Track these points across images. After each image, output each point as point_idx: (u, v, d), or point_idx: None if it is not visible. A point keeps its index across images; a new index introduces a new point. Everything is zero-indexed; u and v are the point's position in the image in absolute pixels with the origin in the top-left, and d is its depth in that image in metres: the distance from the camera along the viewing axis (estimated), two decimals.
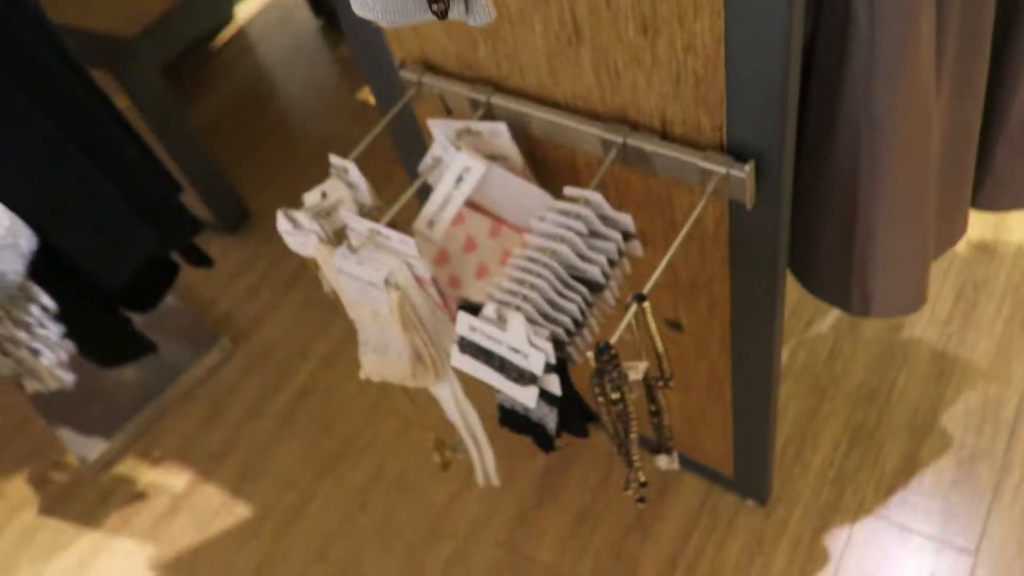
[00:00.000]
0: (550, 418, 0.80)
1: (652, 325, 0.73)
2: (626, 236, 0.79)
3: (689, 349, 1.09)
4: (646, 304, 0.71)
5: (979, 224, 1.59)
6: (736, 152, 0.74)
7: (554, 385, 0.74)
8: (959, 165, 0.96)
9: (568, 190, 0.78)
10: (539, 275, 0.74)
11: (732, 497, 1.36)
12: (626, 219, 0.77)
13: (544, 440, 0.83)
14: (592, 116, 0.82)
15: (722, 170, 0.74)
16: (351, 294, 0.87)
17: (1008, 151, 0.99)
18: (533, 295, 0.73)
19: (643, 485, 0.86)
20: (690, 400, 1.21)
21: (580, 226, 0.76)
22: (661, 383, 0.80)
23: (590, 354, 0.69)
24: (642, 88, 0.76)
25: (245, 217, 2.07)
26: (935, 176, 0.91)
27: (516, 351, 0.73)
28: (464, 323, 0.75)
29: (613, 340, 0.69)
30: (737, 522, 1.33)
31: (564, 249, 0.75)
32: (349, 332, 1.75)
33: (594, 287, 0.77)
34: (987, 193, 1.03)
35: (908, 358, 1.45)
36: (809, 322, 1.54)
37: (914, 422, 1.38)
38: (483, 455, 1.08)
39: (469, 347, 0.76)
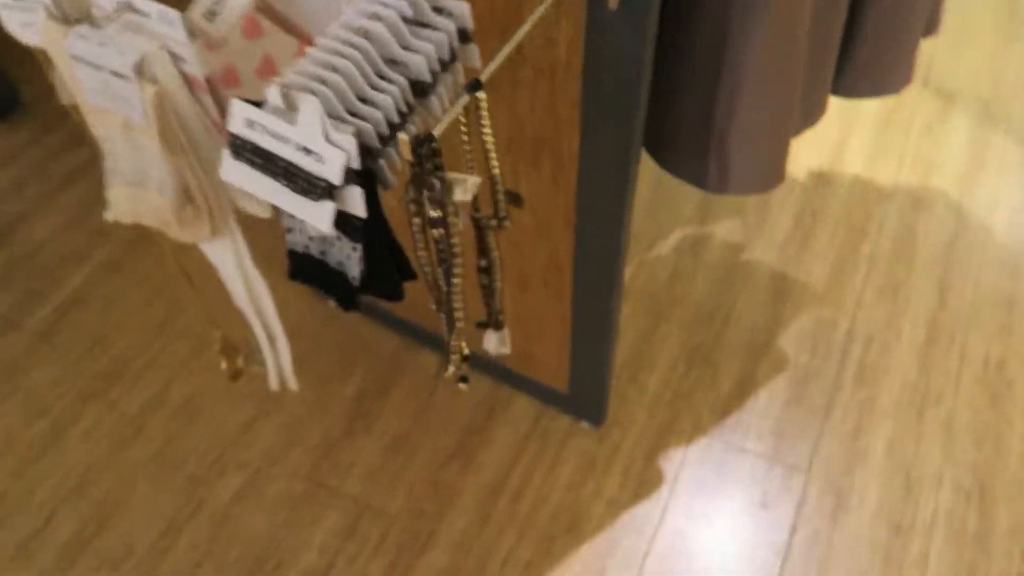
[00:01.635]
0: (353, 260, 0.63)
1: (488, 135, 0.58)
2: (463, 36, 0.62)
3: (528, 231, 0.95)
4: (482, 97, 0.55)
5: (817, 153, 1.57)
6: None
7: (357, 203, 0.56)
8: (826, 39, 0.88)
9: None
10: (344, 56, 0.56)
11: (565, 420, 1.25)
12: (462, 8, 0.61)
13: (344, 292, 0.65)
14: None
15: None
16: (92, 95, 0.65)
17: (873, 35, 0.92)
18: (335, 79, 0.55)
19: (465, 359, 0.71)
20: (527, 300, 1.07)
21: (403, 4, 0.59)
22: (495, 222, 0.64)
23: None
24: None
25: (15, 102, 1.72)
26: (805, 45, 0.82)
27: (308, 152, 0.55)
28: (239, 116, 0.56)
29: (436, 133, 0.53)
30: (569, 445, 1.22)
31: (379, 28, 0.57)
32: (143, 233, 1.48)
33: (418, 88, 0.60)
34: (848, 79, 0.96)
35: (747, 281, 1.40)
36: (651, 244, 1.46)
37: (751, 343, 1.32)
38: (277, 350, 0.89)
39: (245, 150, 0.57)
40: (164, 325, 1.39)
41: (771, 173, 0.90)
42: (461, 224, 0.59)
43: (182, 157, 0.67)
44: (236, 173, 0.58)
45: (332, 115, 0.55)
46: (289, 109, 0.55)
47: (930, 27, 1.00)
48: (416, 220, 0.56)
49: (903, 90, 1.00)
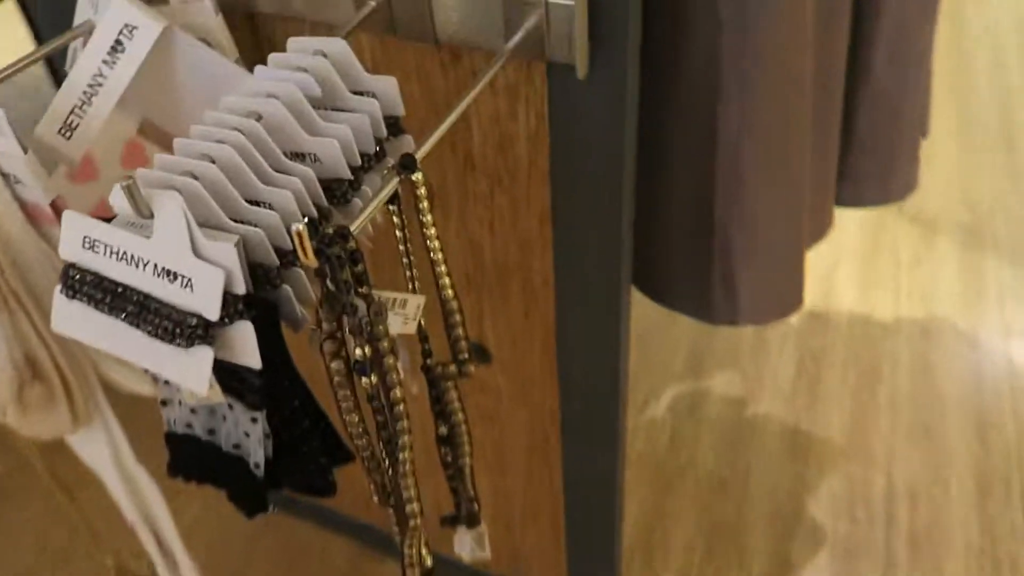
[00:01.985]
0: (253, 439, 0.43)
1: (433, 236, 0.41)
2: (392, 126, 0.47)
3: (501, 395, 0.77)
4: (419, 180, 0.39)
5: (809, 294, 1.44)
6: None
7: (248, 348, 0.38)
8: (825, 134, 0.76)
9: (293, 41, 0.47)
10: (226, 142, 0.40)
11: None
12: (388, 86, 0.46)
13: (246, 489, 0.45)
14: None
15: None
16: None
17: (869, 132, 0.82)
18: (211, 171, 0.39)
19: (428, 573, 0.50)
20: (506, 483, 0.86)
21: (308, 80, 0.44)
22: (454, 369, 0.46)
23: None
24: None
25: None
26: (810, 127, 0.70)
27: (170, 276, 0.38)
28: (73, 234, 0.39)
29: (354, 229, 0.36)
30: None
31: (275, 108, 0.42)
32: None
33: (336, 191, 0.44)
34: (850, 186, 0.84)
35: (757, 440, 1.21)
36: (642, 406, 1.27)
37: (777, 514, 1.11)
38: (178, 570, 0.66)
39: (84, 284, 0.39)
40: (65, 553, 1.13)
41: (788, 294, 0.74)
42: (403, 368, 0.40)
43: (20, 316, 0.49)
44: (72, 320, 0.40)
45: (206, 223, 0.38)
46: (143, 216, 0.38)
47: (922, 127, 0.91)
48: (335, 365, 0.38)
49: (908, 196, 0.89)
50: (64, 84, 0.52)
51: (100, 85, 0.52)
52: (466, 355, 0.46)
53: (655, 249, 0.74)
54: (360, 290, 0.36)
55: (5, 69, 0.51)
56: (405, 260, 0.42)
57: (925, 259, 1.51)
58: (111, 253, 0.39)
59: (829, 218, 0.83)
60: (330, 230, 0.35)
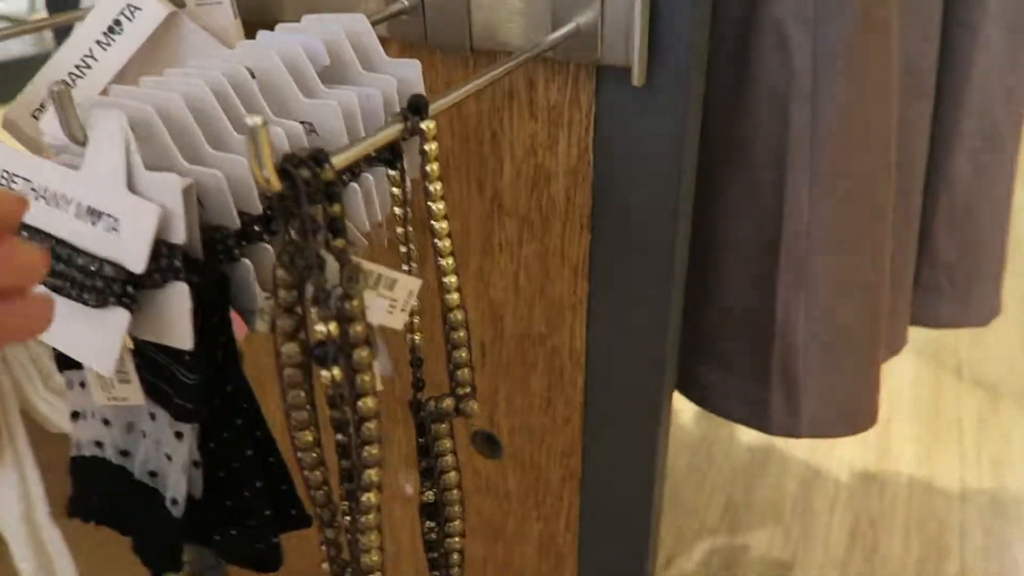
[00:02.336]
0: (177, 463, 0.32)
1: (440, 214, 0.32)
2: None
3: (511, 503, 0.65)
4: (428, 128, 0.31)
5: (857, 447, 1.30)
6: None
7: (178, 318, 0.28)
8: (903, 238, 0.68)
9: (310, 17, 0.40)
10: (204, 80, 0.33)
11: None
12: (410, 71, 0.39)
13: (157, 534, 0.34)
14: None
15: None
16: None
17: (948, 246, 0.73)
18: (174, 101, 0.31)
19: None
20: None
21: (316, 47, 0.37)
22: (450, 403, 0.35)
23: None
24: None
25: None
26: (890, 237, 0.61)
27: (94, 215, 0.29)
28: None
29: (338, 162, 0.27)
30: None
31: (271, 63, 0.35)
32: None
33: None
34: (927, 304, 0.74)
35: None
36: (668, 560, 1.11)
37: None
38: None
39: None
40: None
41: (860, 408, 0.63)
42: (380, 372, 0.30)
43: None
44: None
45: (156, 166, 0.30)
46: (76, 141, 0.30)
47: (1003, 250, 0.82)
48: (288, 349, 0.28)
49: (990, 321, 0.78)
50: (48, 62, 0.46)
51: (89, 67, 0.46)
52: (468, 388, 0.35)
53: (703, 339, 0.63)
54: (333, 242, 0.27)
55: None
56: (404, 249, 0.33)
57: (990, 422, 1.37)
58: (30, 190, 0.30)
59: (904, 332, 0.72)
60: (302, 150, 0.26)
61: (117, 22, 0.45)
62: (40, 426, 0.47)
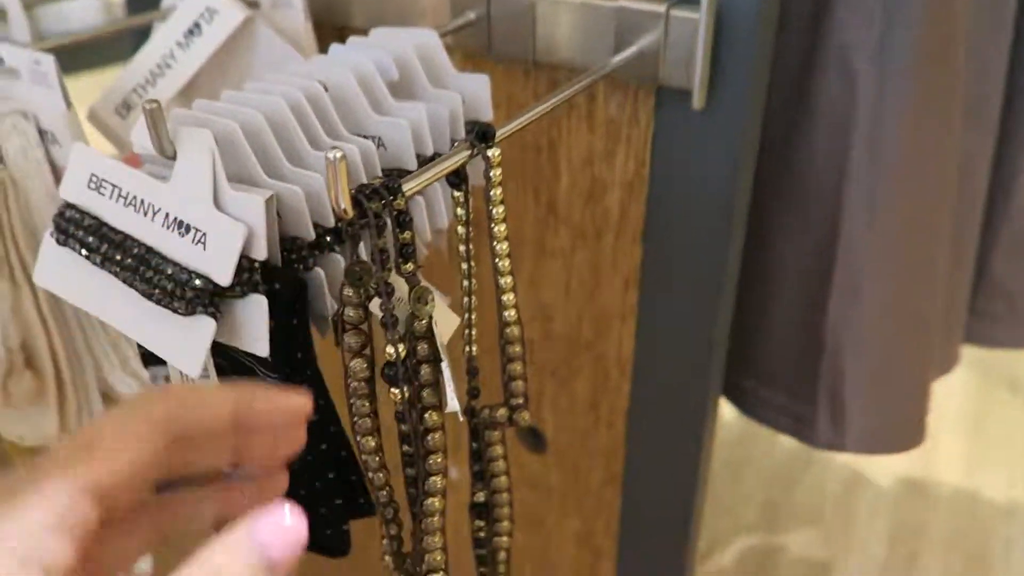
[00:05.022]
0: None
1: (502, 235, 0.34)
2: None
3: (552, 498, 0.66)
4: (494, 156, 0.32)
5: (907, 458, 1.29)
6: None
7: (257, 328, 0.31)
8: (959, 251, 0.67)
9: (378, 31, 0.42)
10: (281, 96, 0.35)
11: None
12: (478, 86, 0.41)
13: None
14: None
15: (659, 7, 0.40)
16: None
17: (1007, 264, 0.72)
18: (255, 119, 0.33)
19: None
20: None
21: (386, 61, 0.39)
22: (507, 413, 0.37)
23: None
24: None
25: None
26: (945, 255, 0.61)
27: (182, 228, 0.31)
28: (82, 166, 0.33)
29: (408, 190, 0.29)
30: None
31: (343, 78, 0.37)
32: None
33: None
34: (982, 322, 0.73)
35: None
36: (706, 553, 1.12)
37: None
38: None
39: (80, 229, 0.33)
40: None
41: (907, 426, 0.63)
42: (449, 390, 0.32)
43: (25, 292, 0.43)
44: (58, 271, 0.34)
45: (237, 178, 0.32)
46: (165, 155, 0.32)
47: None
48: (355, 365, 0.30)
49: None
50: (132, 60, 0.49)
51: (169, 67, 0.49)
52: (522, 400, 0.37)
53: (750, 354, 0.64)
54: (404, 267, 0.28)
55: (77, 35, 0.49)
56: (465, 266, 0.35)
57: None
58: (119, 196, 0.33)
59: (956, 350, 0.71)
60: (375, 181, 0.28)
61: (196, 24, 0.48)
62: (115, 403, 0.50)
